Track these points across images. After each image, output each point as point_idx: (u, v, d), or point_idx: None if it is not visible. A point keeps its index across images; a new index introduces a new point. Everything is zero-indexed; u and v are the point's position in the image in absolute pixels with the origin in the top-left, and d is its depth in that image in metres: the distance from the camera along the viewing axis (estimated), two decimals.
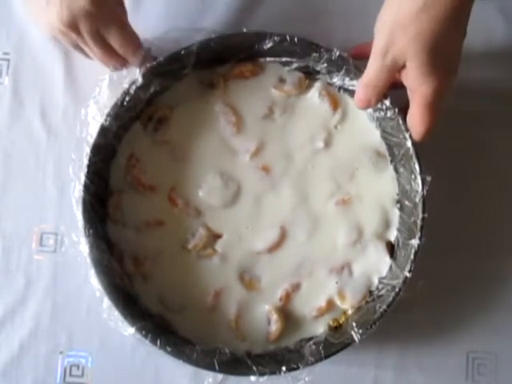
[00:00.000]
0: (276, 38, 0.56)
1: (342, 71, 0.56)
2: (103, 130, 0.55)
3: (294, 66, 0.58)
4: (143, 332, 0.53)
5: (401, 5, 0.46)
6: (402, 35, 0.46)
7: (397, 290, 0.54)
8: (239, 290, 0.58)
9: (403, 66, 0.48)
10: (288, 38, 0.56)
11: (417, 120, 0.50)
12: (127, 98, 0.55)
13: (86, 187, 0.55)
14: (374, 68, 0.50)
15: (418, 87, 0.48)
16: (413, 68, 0.47)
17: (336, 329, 0.58)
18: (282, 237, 0.58)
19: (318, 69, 0.57)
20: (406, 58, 0.47)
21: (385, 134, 0.59)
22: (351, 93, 0.58)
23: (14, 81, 0.64)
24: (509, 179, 0.64)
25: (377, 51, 0.49)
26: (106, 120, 0.55)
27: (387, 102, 0.55)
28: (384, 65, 0.49)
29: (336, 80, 0.57)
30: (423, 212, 0.55)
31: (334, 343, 0.55)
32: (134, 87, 0.55)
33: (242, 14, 0.64)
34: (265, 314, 0.58)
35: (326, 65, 0.57)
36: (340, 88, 0.59)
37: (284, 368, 0.54)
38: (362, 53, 0.54)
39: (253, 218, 0.58)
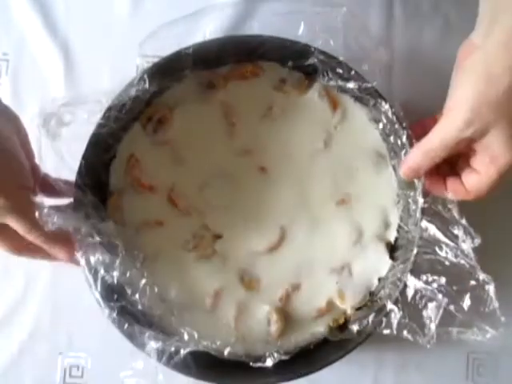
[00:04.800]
0: (271, 42, 0.56)
1: (336, 72, 0.56)
2: (99, 131, 0.55)
3: (290, 64, 0.59)
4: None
5: (489, 79, 0.45)
6: (491, 110, 0.45)
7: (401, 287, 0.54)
8: (239, 290, 0.58)
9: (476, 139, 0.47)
10: (280, 41, 0.56)
11: (485, 187, 0.49)
12: (124, 99, 0.55)
13: (82, 187, 0.54)
14: (443, 136, 0.48)
15: (500, 156, 0.47)
16: (499, 139, 0.47)
17: (336, 329, 0.58)
18: (282, 237, 0.58)
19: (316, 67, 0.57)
20: (490, 131, 0.46)
21: (382, 132, 0.59)
22: (351, 93, 0.59)
23: (14, 81, 0.64)
24: None
25: (456, 122, 0.47)
26: (102, 120, 0.54)
27: (383, 104, 0.55)
28: (460, 136, 0.47)
29: (332, 82, 0.57)
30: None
31: (340, 346, 0.55)
32: (133, 89, 0.55)
33: (244, 13, 0.65)
34: (265, 315, 0.58)
35: (320, 66, 0.56)
36: (339, 88, 0.59)
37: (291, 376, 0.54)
38: (424, 128, 0.53)
39: (253, 218, 0.58)
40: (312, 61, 0.56)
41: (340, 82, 0.57)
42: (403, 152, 0.55)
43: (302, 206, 0.59)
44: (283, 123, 0.59)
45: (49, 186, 0.54)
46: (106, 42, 0.65)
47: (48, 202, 0.52)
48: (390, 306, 0.54)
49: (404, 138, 0.55)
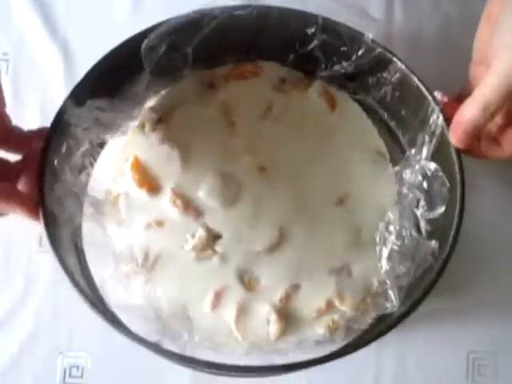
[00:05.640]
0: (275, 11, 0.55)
1: (338, 52, 0.55)
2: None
3: (291, 57, 0.58)
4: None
5: None
6: None
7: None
8: (239, 290, 0.57)
9: None
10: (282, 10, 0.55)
11: None
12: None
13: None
14: (498, 88, 0.43)
15: None
16: None
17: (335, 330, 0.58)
18: (282, 237, 0.58)
19: (317, 55, 0.57)
20: None
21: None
22: (350, 92, 0.59)
23: (14, 81, 0.64)
24: None
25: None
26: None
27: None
28: None
29: (337, 67, 0.57)
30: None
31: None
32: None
33: None
34: (264, 315, 0.57)
35: (324, 37, 0.55)
36: (339, 87, 0.59)
37: None
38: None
39: (252, 218, 0.58)
40: (315, 40, 0.55)
41: (344, 63, 0.56)
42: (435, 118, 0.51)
43: (301, 206, 0.59)
44: (283, 123, 0.59)
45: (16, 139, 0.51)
46: (106, 42, 0.64)
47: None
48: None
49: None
